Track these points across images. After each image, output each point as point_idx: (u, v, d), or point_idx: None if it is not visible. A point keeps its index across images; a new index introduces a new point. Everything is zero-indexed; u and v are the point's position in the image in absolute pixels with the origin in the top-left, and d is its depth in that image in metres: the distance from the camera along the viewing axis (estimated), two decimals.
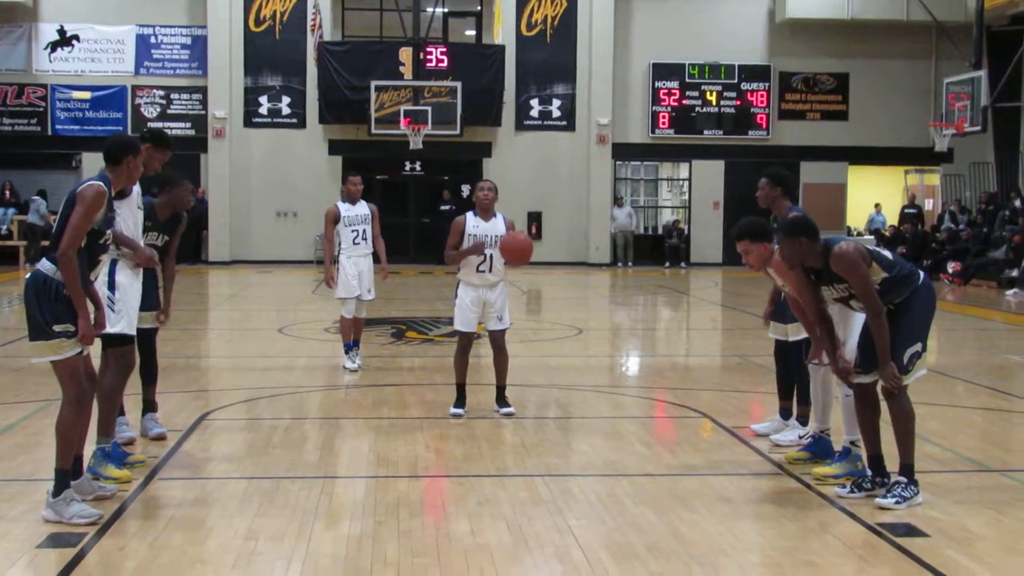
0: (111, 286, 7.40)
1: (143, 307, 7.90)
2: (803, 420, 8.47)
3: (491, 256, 9.41)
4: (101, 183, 6.41)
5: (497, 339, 9.55)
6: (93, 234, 6.39)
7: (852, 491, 6.94)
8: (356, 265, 12.05)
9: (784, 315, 8.40)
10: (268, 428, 9.33)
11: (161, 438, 8.45)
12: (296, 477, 7.47)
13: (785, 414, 8.67)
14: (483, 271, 9.45)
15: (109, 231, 6.59)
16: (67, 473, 6.40)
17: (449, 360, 10.02)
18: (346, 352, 12.17)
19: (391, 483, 7.32)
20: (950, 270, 26.83)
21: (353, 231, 12.06)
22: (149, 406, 8.60)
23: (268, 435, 8.95)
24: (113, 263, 7.41)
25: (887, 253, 7.05)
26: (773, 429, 8.67)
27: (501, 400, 9.60)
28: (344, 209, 12.06)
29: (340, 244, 12.09)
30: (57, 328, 6.25)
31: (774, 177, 8.79)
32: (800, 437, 8.35)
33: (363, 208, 12.15)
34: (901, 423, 6.84)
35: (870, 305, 6.67)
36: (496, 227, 9.47)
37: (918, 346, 6.84)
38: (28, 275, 6.46)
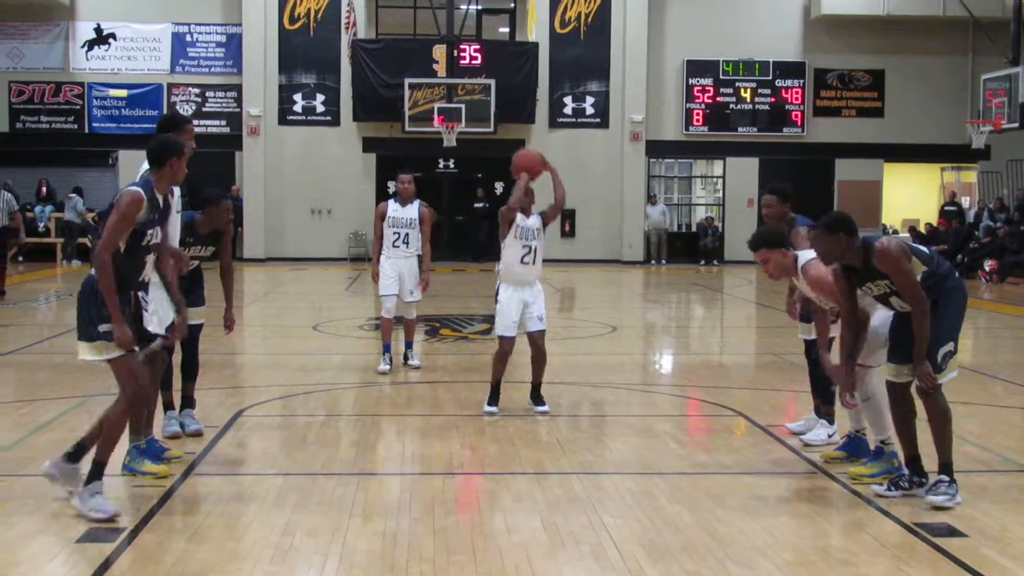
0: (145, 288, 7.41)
1: (189, 303, 8.01)
2: (829, 418, 8.43)
3: (535, 248, 9.44)
4: (140, 189, 6.47)
5: (537, 340, 9.53)
6: (135, 235, 6.45)
7: (890, 489, 6.90)
8: (395, 266, 11.88)
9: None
10: (303, 425, 9.37)
11: (198, 434, 8.51)
12: (332, 474, 7.50)
13: (819, 412, 8.63)
14: (527, 263, 9.45)
15: (151, 232, 6.58)
16: (102, 465, 6.47)
17: (483, 357, 10.07)
18: (384, 351, 11.94)
19: (426, 480, 7.34)
20: (987, 268, 26.61)
21: (395, 233, 11.85)
22: (188, 402, 8.67)
23: (303, 432, 9.00)
24: None
25: (924, 249, 7.01)
26: (807, 427, 8.63)
27: (536, 397, 9.60)
28: (392, 209, 11.90)
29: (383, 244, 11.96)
30: (101, 329, 6.36)
31: (782, 193, 8.57)
32: (829, 436, 8.32)
33: (412, 211, 11.90)
34: (938, 422, 6.80)
35: (917, 300, 6.61)
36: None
37: (951, 345, 6.79)
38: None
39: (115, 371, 6.50)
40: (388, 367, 11.78)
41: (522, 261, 9.44)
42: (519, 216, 9.41)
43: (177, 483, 7.14)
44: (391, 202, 11.97)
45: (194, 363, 8.75)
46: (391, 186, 31.88)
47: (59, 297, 20.31)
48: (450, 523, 6.33)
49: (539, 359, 9.58)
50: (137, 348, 6.54)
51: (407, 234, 11.87)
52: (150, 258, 6.69)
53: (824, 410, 8.49)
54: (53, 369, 11.82)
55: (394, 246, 11.90)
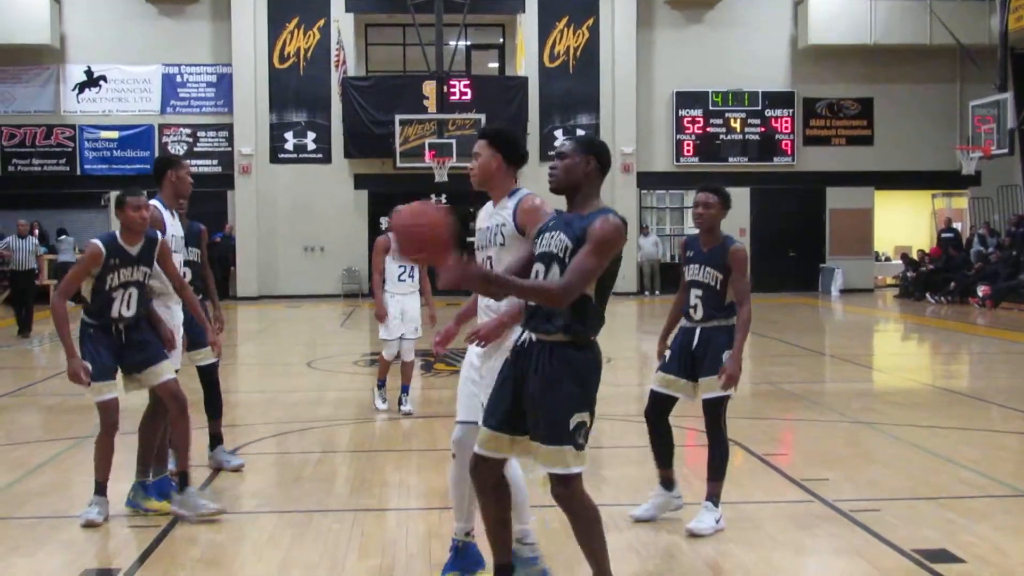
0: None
1: (199, 344, 8.13)
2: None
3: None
4: (100, 244, 6.96)
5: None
6: (98, 279, 6.98)
7: None
8: (399, 303, 11.46)
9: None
10: (299, 462, 9.34)
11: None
12: (327, 510, 7.47)
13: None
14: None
15: (111, 276, 6.97)
16: (187, 474, 7.14)
17: None
18: (377, 388, 11.87)
19: (422, 515, 7.31)
20: (980, 293, 26.66)
21: (400, 267, 11.48)
22: (216, 439, 8.75)
23: (299, 469, 8.97)
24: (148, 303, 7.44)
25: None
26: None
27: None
28: (395, 242, 11.63)
29: (384, 279, 11.56)
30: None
31: (724, 196, 7.29)
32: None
33: None
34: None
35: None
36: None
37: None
38: None
39: (160, 395, 7.14)
40: (386, 404, 11.71)
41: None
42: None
43: (174, 522, 7.10)
44: (392, 235, 11.65)
45: (216, 401, 8.80)
46: (383, 222, 32.08)
47: (52, 339, 20.27)
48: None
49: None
50: (92, 383, 6.94)
51: (412, 268, 11.49)
52: (120, 294, 7.01)
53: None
54: (46, 411, 11.78)
55: (399, 280, 11.53)
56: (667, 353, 7.13)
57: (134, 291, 7.06)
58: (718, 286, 6.87)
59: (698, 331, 6.94)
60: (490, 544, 5.26)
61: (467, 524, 5.82)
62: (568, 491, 4.97)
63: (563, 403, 4.86)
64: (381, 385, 11.86)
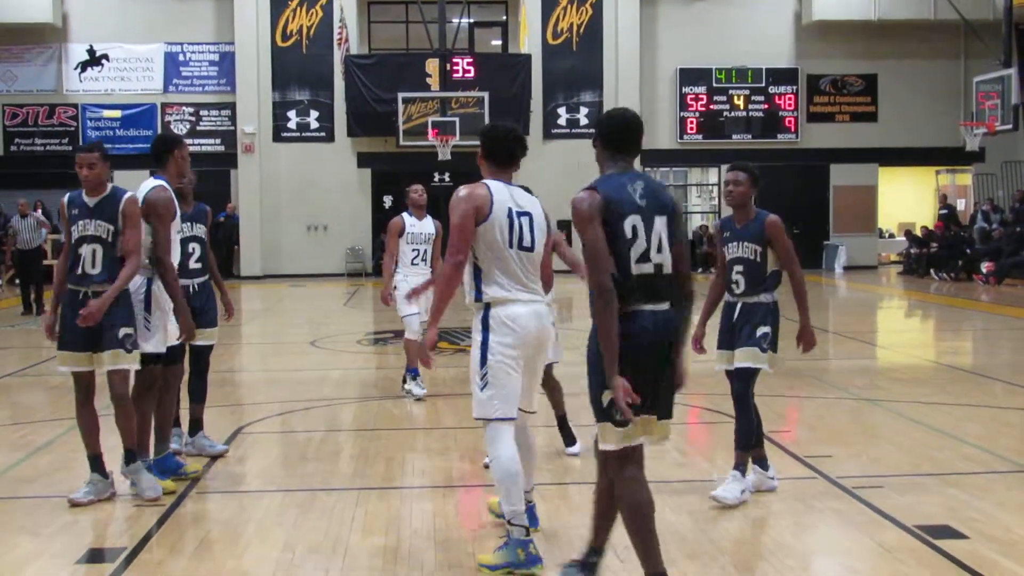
0: (147, 306, 7.40)
1: (202, 323, 8.05)
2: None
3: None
4: (67, 194, 7.38)
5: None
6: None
7: None
8: (411, 286, 10.49)
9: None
10: (303, 441, 9.36)
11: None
12: (331, 489, 7.49)
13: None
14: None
15: (74, 226, 7.16)
16: (133, 452, 7.13)
17: None
18: (412, 378, 11.22)
19: (426, 493, 7.32)
20: (984, 270, 26.63)
21: (414, 250, 11.14)
22: (197, 424, 8.52)
23: (303, 448, 8.99)
24: (148, 282, 7.41)
25: None
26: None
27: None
28: (409, 224, 11.09)
29: (397, 261, 11.15)
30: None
31: (753, 173, 7.23)
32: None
33: (428, 226, 11.15)
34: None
35: None
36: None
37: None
38: None
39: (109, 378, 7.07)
40: (423, 389, 11.17)
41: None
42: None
43: (177, 501, 7.12)
44: (407, 216, 11.15)
45: (203, 385, 8.57)
46: (386, 200, 32.08)
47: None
48: (451, 536, 6.32)
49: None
50: (59, 351, 7.06)
51: (425, 250, 11.16)
52: (85, 249, 7.03)
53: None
54: (51, 391, 11.80)
55: (412, 263, 11.13)
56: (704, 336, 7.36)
57: (98, 248, 7.00)
58: (758, 259, 7.09)
59: (739, 305, 7.17)
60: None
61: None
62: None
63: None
64: (414, 374, 11.25)
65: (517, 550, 5.64)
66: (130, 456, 7.15)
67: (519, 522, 5.68)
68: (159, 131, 31.42)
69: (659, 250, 5.09)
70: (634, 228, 5.03)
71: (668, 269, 5.14)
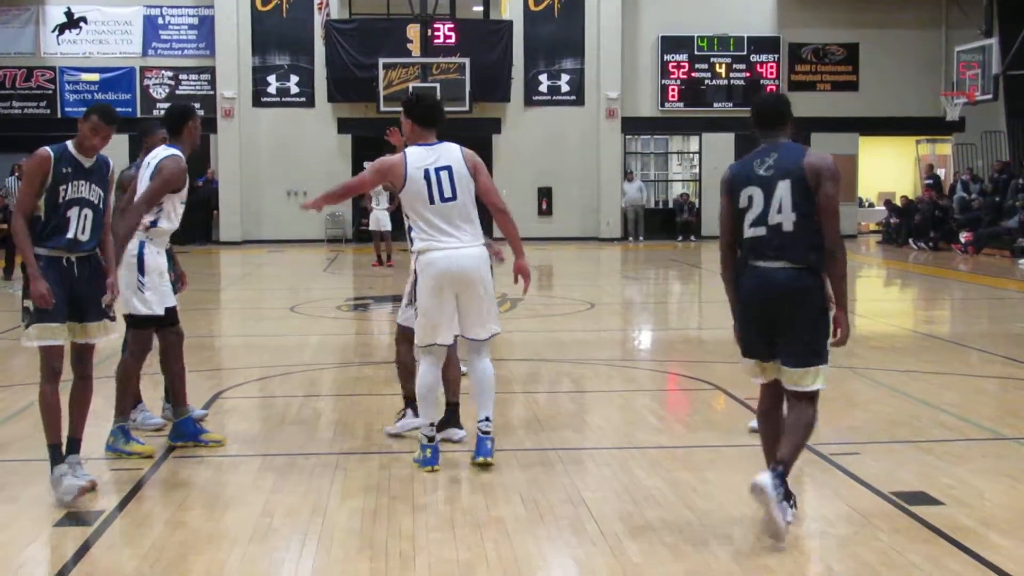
0: (140, 268, 7.35)
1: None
2: None
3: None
4: (49, 149, 6.34)
5: None
6: (51, 192, 6.31)
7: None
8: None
9: None
10: (281, 406, 9.36)
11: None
12: (310, 454, 7.49)
13: None
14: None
15: (63, 188, 6.31)
16: (78, 441, 6.62)
17: None
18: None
19: (405, 458, 7.32)
20: (962, 240, 26.74)
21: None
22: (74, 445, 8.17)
23: (281, 413, 8.99)
24: (141, 244, 7.36)
25: None
26: None
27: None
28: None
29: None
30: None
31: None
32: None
33: None
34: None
35: None
36: None
37: None
38: None
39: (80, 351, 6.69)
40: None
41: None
42: None
43: (155, 466, 7.12)
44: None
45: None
46: (367, 166, 31.92)
47: None
48: (429, 500, 6.34)
49: None
50: (34, 324, 6.39)
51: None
52: (76, 212, 6.35)
53: None
54: (31, 354, 11.69)
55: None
56: None
57: (89, 213, 6.39)
58: None
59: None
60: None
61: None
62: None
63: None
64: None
65: (426, 451, 6.94)
66: (76, 445, 6.59)
67: (427, 432, 7.00)
68: (138, 95, 31.27)
69: (779, 211, 5.59)
70: (750, 198, 5.68)
71: (788, 227, 5.58)
